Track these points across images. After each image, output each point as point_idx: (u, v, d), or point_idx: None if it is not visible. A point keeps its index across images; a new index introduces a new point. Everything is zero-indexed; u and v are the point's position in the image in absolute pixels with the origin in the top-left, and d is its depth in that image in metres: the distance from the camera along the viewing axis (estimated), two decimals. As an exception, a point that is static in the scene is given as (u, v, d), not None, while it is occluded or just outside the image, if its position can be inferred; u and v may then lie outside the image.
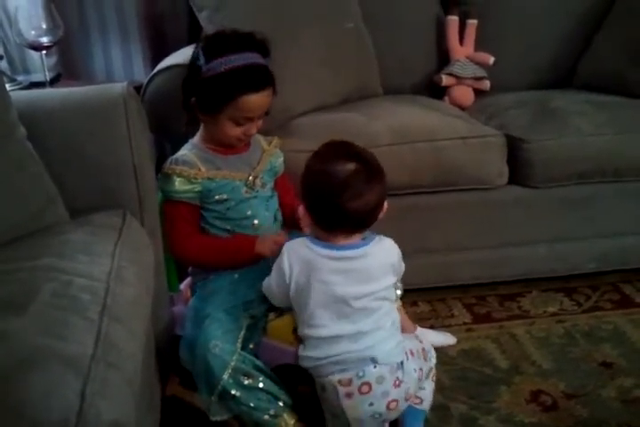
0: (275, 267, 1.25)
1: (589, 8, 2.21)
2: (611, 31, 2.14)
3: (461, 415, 1.45)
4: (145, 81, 1.76)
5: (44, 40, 1.84)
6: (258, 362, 1.29)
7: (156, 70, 1.75)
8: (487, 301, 1.91)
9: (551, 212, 1.86)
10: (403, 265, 1.28)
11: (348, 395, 1.19)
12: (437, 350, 1.40)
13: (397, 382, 1.21)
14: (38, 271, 0.99)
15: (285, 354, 1.32)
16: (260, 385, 1.27)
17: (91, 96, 1.27)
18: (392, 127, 1.72)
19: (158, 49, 2.23)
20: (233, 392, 1.25)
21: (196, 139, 1.45)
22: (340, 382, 1.19)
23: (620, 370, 1.60)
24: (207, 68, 1.32)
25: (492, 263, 1.91)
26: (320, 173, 1.19)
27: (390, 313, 1.25)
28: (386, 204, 1.23)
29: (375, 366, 1.19)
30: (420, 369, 1.26)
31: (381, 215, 1.23)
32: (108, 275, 1.01)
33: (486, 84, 2.14)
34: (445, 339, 1.68)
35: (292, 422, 1.29)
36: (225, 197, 1.40)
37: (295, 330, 1.29)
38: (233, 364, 1.25)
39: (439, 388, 1.49)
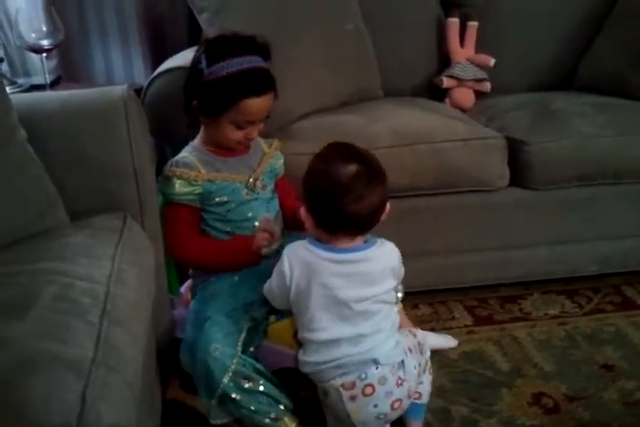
0: (275, 270, 1.25)
1: (590, 10, 2.21)
2: (611, 33, 2.14)
3: (462, 418, 1.44)
4: (145, 83, 1.76)
5: (45, 43, 1.84)
6: (258, 365, 1.29)
7: (156, 73, 1.75)
8: (488, 303, 1.90)
9: (552, 214, 1.86)
10: (402, 269, 1.28)
11: (352, 398, 1.19)
12: (438, 352, 1.40)
13: (400, 382, 1.21)
14: (39, 275, 0.99)
15: (286, 357, 1.31)
16: (261, 388, 1.26)
17: (91, 99, 1.27)
18: (392, 129, 1.72)
19: (158, 51, 2.23)
20: (233, 396, 1.25)
21: (197, 141, 1.45)
22: (342, 385, 1.19)
23: (621, 373, 1.59)
24: (209, 72, 1.32)
25: (493, 266, 1.90)
26: (322, 174, 1.19)
27: (389, 315, 1.25)
28: (388, 205, 1.22)
29: (377, 368, 1.19)
30: (419, 364, 1.27)
31: (383, 217, 1.22)
32: (108, 278, 1.01)
33: (487, 86, 2.14)
34: (446, 341, 1.68)
35: (292, 425, 1.28)
36: (225, 199, 1.40)
37: (296, 333, 1.29)
38: (233, 367, 1.25)
39: (440, 391, 1.50)
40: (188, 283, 1.53)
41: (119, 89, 1.27)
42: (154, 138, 1.47)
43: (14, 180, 1.12)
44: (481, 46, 2.15)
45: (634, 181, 1.84)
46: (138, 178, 1.24)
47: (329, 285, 1.19)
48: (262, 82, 1.33)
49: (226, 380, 1.24)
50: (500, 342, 1.71)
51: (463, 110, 2.06)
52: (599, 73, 2.13)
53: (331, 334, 1.20)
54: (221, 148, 1.42)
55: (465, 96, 2.12)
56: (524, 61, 2.22)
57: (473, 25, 2.14)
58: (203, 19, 1.80)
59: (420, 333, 1.36)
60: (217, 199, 1.40)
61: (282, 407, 1.28)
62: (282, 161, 1.53)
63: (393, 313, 1.27)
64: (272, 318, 1.37)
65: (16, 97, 1.23)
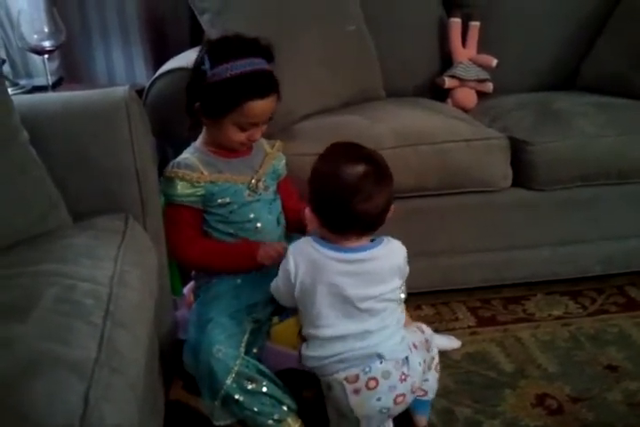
0: (281, 267, 1.25)
1: (592, 10, 2.21)
2: (613, 33, 2.14)
3: (466, 419, 1.44)
4: (147, 84, 1.76)
5: (47, 44, 1.85)
6: (261, 366, 1.29)
7: (157, 74, 1.75)
8: (492, 304, 1.90)
9: (555, 214, 1.85)
10: (407, 268, 1.28)
11: (356, 391, 1.19)
12: (442, 353, 1.40)
13: (403, 377, 1.21)
14: (41, 276, 0.98)
15: (289, 358, 1.31)
16: (264, 390, 1.26)
17: (93, 100, 1.27)
18: (395, 130, 1.72)
19: (160, 52, 2.23)
20: (236, 397, 1.24)
21: (199, 142, 1.45)
22: (346, 379, 1.18)
23: (625, 373, 1.59)
24: (212, 74, 1.32)
25: (497, 266, 1.90)
26: (329, 175, 1.18)
27: (394, 312, 1.25)
28: (392, 205, 1.22)
29: (381, 362, 1.19)
30: (424, 361, 1.27)
31: (389, 215, 1.22)
32: (111, 279, 1.01)
33: (489, 87, 2.14)
34: (450, 342, 1.67)
35: (296, 426, 1.29)
36: (227, 200, 1.40)
37: (299, 334, 1.28)
38: (236, 368, 1.24)
39: (444, 392, 1.49)
40: (191, 284, 1.53)
41: (121, 90, 1.27)
42: (155, 139, 1.46)
43: (16, 181, 1.12)
44: (483, 46, 2.15)
45: (637, 180, 1.83)
46: (140, 179, 1.24)
47: (335, 283, 1.18)
48: (266, 84, 1.33)
49: (229, 381, 1.24)
50: (503, 343, 1.71)
51: (465, 111, 2.05)
52: (601, 73, 2.13)
53: (336, 331, 1.20)
54: (224, 149, 1.42)
55: (467, 96, 2.11)
56: (527, 62, 2.21)
57: (475, 25, 2.14)
58: (204, 19, 1.80)
59: (428, 329, 1.36)
60: (219, 201, 1.39)
61: (285, 409, 1.28)
62: (284, 162, 1.53)
63: (398, 310, 1.27)
64: (275, 319, 1.37)
65: (18, 98, 1.23)
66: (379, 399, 1.19)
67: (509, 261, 1.90)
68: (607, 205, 1.86)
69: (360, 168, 1.16)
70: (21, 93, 1.80)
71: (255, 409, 1.25)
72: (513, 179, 1.79)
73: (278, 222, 1.48)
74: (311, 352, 1.22)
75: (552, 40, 2.22)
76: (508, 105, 2.01)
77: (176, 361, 1.36)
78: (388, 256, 1.23)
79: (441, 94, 2.14)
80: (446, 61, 2.18)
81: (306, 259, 1.20)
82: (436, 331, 1.71)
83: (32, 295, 0.93)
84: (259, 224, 1.43)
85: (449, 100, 2.12)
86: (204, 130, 1.44)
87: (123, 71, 2.30)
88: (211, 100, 1.34)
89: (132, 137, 1.23)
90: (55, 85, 1.94)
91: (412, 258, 1.29)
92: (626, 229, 1.92)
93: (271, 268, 1.32)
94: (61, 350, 0.83)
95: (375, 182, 1.16)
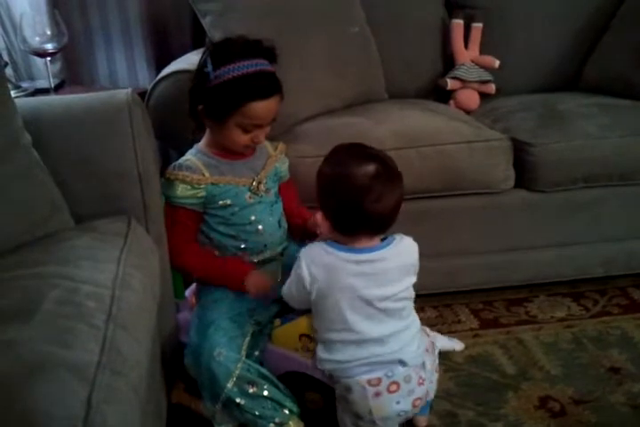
0: (293, 273, 1.24)
1: (595, 11, 2.21)
2: (616, 34, 2.14)
3: (469, 422, 1.44)
4: (149, 87, 1.76)
5: (49, 47, 1.85)
6: (263, 370, 1.29)
7: (160, 76, 1.75)
8: (494, 306, 1.90)
9: (557, 216, 1.85)
10: (418, 265, 1.28)
11: (377, 394, 1.19)
12: (444, 356, 1.40)
13: (421, 381, 1.22)
14: (43, 278, 0.98)
15: (291, 361, 1.31)
16: (265, 393, 1.26)
17: (95, 103, 1.27)
18: (397, 132, 1.72)
19: (162, 55, 2.23)
20: (237, 401, 1.25)
21: (201, 144, 1.44)
22: (369, 382, 1.18)
23: (628, 375, 1.58)
24: (215, 76, 1.31)
25: (499, 268, 1.90)
26: (340, 177, 1.18)
27: (412, 312, 1.26)
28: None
29: (403, 366, 1.20)
30: (432, 364, 1.28)
31: None
32: (113, 281, 1.01)
33: (492, 88, 2.14)
34: (452, 344, 1.67)
35: (298, 429, 1.29)
36: (229, 202, 1.40)
37: (301, 337, 1.28)
38: (237, 372, 1.24)
39: (446, 394, 1.49)
40: (193, 287, 1.53)
41: (123, 93, 1.27)
42: (158, 141, 1.46)
43: (19, 183, 1.12)
44: (485, 48, 2.15)
45: (640, 182, 1.84)
46: (142, 182, 1.24)
47: (352, 285, 1.18)
48: (268, 85, 1.33)
49: (230, 385, 1.24)
50: (505, 346, 1.70)
51: (468, 112, 2.05)
52: (604, 74, 2.13)
53: (358, 335, 1.20)
54: (227, 151, 1.41)
55: (469, 98, 2.11)
56: (529, 63, 2.21)
57: (477, 26, 2.14)
58: (206, 22, 1.80)
59: (431, 333, 1.36)
60: (220, 202, 1.39)
61: (286, 412, 1.28)
62: (287, 165, 1.53)
63: (414, 310, 1.28)
64: (276, 321, 1.37)
65: (21, 101, 1.23)
66: (398, 403, 1.20)
67: (512, 262, 1.89)
68: (610, 206, 1.86)
69: (370, 168, 1.16)
70: (24, 96, 1.80)
71: (256, 413, 1.25)
72: (515, 180, 1.79)
73: (280, 225, 1.48)
74: (331, 356, 1.22)
75: (555, 41, 2.22)
76: (510, 106, 2.01)
77: (178, 364, 1.36)
78: (401, 255, 1.23)
79: (443, 96, 2.14)
80: (449, 63, 2.18)
81: (319, 264, 1.20)
82: (439, 333, 1.72)
83: (34, 298, 0.93)
84: (260, 226, 1.43)
85: (451, 102, 2.12)
86: (207, 132, 1.44)
87: (125, 74, 2.30)
88: (214, 102, 1.34)
89: (134, 140, 1.23)
90: (57, 88, 1.94)
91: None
92: (628, 231, 1.91)
93: (272, 266, 1.35)
94: (64, 352, 0.83)
95: (386, 182, 1.17)
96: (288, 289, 1.27)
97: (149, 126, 1.31)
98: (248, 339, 1.31)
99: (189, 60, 1.68)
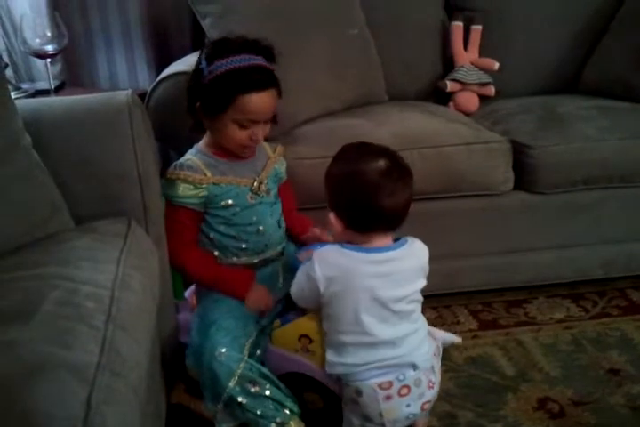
0: (305, 275, 1.23)
1: (594, 13, 2.21)
2: (616, 37, 2.14)
3: (468, 423, 1.44)
4: (149, 88, 1.77)
5: (49, 48, 1.85)
6: (264, 369, 1.29)
7: (160, 78, 1.75)
8: (493, 307, 1.90)
9: (557, 218, 1.85)
10: (428, 268, 1.28)
11: (388, 397, 1.19)
12: (444, 356, 1.40)
13: (431, 384, 1.23)
14: (43, 279, 0.98)
15: (291, 362, 1.31)
16: (267, 393, 1.26)
17: (95, 104, 1.27)
18: (397, 134, 1.72)
19: (162, 56, 2.24)
20: (240, 400, 1.25)
21: (201, 144, 1.44)
22: (380, 385, 1.18)
23: (627, 377, 1.59)
24: (209, 71, 1.31)
25: (498, 269, 1.90)
26: (352, 174, 1.18)
27: (421, 315, 1.27)
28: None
29: (414, 370, 1.20)
30: (439, 367, 1.28)
31: None
32: (113, 282, 1.01)
33: (491, 90, 2.14)
34: (452, 338, 1.66)
35: (298, 430, 1.29)
36: (230, 202, 1.39)
37: (300, 338, 1.28)
38: (239, 371, 1.24)
39: (446, 395, 1.49)
40: (193, 288, 1.53)
41: (123, 94, 1.27)
42: (158, 142, 1.47)
43: (19, 185, 1.12)
44: (485, 50, 2.15)
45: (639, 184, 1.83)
46: (142, 183, 1.24)
47: (368, 286, 1.18)
48: (260, 78, 1.31)
49: (232, 384, 1.24)
50: (505, 347, 1.71)
51: (467, 114, 2.06)
52: (604, 77, 2.13)
53: (371, 337, 1.19)
54: (227, 152, 1.41)
55: (469, 100, 2.11)
56: (529, 65, 2.22)
57: (477, 29, 2.15)
58: (206, 24, 1.81)
59: (431, 328, 1.36)
60: (222, 203, 1.39)
61: (287, 412, 1.28)
62: (285, 166, 1.53)
63: (422, 314, 1.28)
64: (276, 322, 1.37)
65: (21, 102, 1.23)
66: (408, 406, 1.20)
67: (511, 264, 1.90)
68: (609, 208, 1.86)
69: (381, 164, 1.17)
70: (24, 97, 1.80)
71: (258, 412, 1.25)
72: (515, 182, 1.79)
73: (279, 225, 1.48)
74: (342, 359, 1.21)
75: (554, 43, 2.23)
76: (509, 108, 2.01)
77: (178, 365, 1.36)
78: (414, 256, 1.24)
79: (443, 98, 2.15)
80: (448, 65, 2.18)
81: (334, 266, 1.19)
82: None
83: (34, 298, 0.93)
84: (261, 227, 1.43)
85: (451, 104, 2.13)
86: (207, 133, 1.44)
87: (125, 75, 2.30)
88: (208, 98, 1.33)
89: (134, 141, 1.23)
90: (58, 89, 1.95)
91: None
92: (628, 233, 1.92)
93: (272, 266, 1.35)
94: (63, 353, 0.83)
95: (398, 177, 1.17)
96: (299, 289, 1.26)
97: (149, 128, 1.31)
98: (250, 339, 1.31)
99: (189, 62, 1.68)
